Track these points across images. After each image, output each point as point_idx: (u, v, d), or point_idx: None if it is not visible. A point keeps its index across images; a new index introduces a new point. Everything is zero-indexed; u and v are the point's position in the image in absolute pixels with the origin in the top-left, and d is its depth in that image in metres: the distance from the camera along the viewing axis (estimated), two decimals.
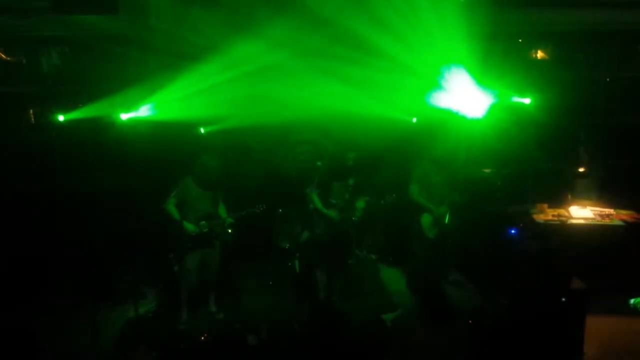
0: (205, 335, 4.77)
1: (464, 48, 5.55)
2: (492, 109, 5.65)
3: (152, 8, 5.91)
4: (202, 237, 5.05)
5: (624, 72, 7.38)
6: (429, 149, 5.81)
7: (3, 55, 6.65)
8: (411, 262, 5.74)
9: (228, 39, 5.63)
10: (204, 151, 5.15)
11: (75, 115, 5.80)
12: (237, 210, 5.29)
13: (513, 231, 5.81)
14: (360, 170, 5.39)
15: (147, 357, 4.42)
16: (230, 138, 6.30)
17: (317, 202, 5.27)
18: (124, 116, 5.67)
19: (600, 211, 5.97)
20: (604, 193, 6.39)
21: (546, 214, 6.07)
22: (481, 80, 5.65)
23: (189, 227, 5.01)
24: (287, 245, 6.11)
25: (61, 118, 5.76)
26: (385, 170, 7.00)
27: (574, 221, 5.88)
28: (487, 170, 6.17)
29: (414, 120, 6.36)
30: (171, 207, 5.07)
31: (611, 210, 5.97)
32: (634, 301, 5.36)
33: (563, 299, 4.58)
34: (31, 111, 6.64)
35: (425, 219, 5.76)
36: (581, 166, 6.41)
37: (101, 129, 6.13)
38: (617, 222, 5.81)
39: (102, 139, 6.32)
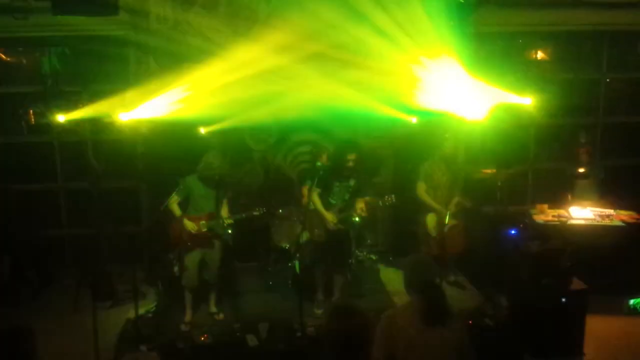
0: (205, 335, 4.78)
1: (464, 49, 5.56)
2: (492, 110, 5.65)
3: (152, 9, 5.91)
4: (202, 236, 5.05)
5: (624, 72, 7.39)
6: (438, 147, 5.80)
7: (3, 56, 6.66)
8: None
9: (228, 40, 5.65)
10: (209, 149, 5.15)
11: (75, 115, 5.79)
12: (236, 212, 5.28)
13: (513, 231, 5.81)
14: (361, 171, 5.38)
15: (147, 357, 4.42)
16: (230, 138, 6.30)
17: (318, 203, 5.28)
18: (124, 116, 5.67)
19: (600, 212, 5.97)
20: (604, 193, 6.39)
21: (546, 215, 6.08)
22: (481, 81, 5.65)
23: (189, 225, 5.01)
24: (287, 245, 6.11)
25: (61, 118, 5.76)
26: (386, 170, 7.01)
27: (574, 222, 5.89)
28: (487, 171, 6.17)
29: (414, 120, 6.34)
30: (173, 205, 5.08)
31: (611, 211, 5.97)
32: (634, 302, 5.36)
33: (563, 299, 4.58)
34: (31, 111, 6.64)
35: (430, 219, 5.77)
36: (581, 166, 6.41)
37: (101, 129, 6.13)
38: (617, 222, 5.82)
39: (102, 139, 6.32)
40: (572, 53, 7.19)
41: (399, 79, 5.76)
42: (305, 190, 5.73)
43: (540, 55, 7.29)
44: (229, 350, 4.68)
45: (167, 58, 5.92)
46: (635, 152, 7.44)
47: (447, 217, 5.64)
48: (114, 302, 5.68)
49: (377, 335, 2.74)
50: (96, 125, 6.11)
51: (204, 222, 5.05)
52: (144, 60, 6.11)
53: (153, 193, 6.32)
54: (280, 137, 6.78)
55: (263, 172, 6.85)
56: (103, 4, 5.27)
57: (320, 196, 5.29)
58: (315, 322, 4.94)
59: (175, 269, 5.27)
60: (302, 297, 4.56)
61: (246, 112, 5.71)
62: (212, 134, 6.00)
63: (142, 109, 5.72)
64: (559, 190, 6.59)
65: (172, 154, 5.90)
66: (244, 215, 5.27)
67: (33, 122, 6.68)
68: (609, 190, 6.44)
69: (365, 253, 6.71)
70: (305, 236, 5.33)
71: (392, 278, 6.15)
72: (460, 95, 5.71)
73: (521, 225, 5.95)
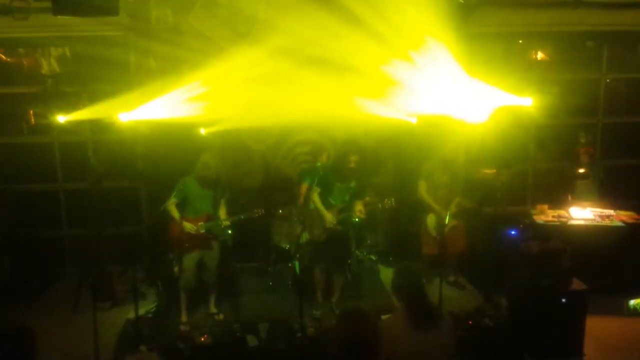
0: (206, 335, 4.78)
1: (463, 49, 5.55)
2: (492, 112, 5.64)
3: (153, 10, 5.91)
4: (201, 238, 5.05)
5: (623, 72, 7.39)
6: (440, 147, 5.80)
7: (3, 56, 6.66)
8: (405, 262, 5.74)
9: (228, 42, 5.65)
10: (206, 150, 5.15)
11: (75, 116, 5.80)
12: (236, 212, 5.28)
13: (513, 232, 5.81)
14: (362, 172, 5.38)
15: (147, 357, 4.42)
16: (230, 138, 6.30)
17: (318, 202, 5.28)
18: (124, 117, 5.67)
19: (600, 212, 5.97)
20: (604, 194, 6.38)
21: (546, 215, 6.08)
22: (481, 81, 5.64)
23: (188, 226, 5.01)
24: (287, 245, 6.11)
25: (61, 118, 5.76)
26: (386, 171, 7.01)
27: (574, 222, 5.89)
28: (488, 171, 6.17)
29: (414, 121, 6.34)
30: (172, 207, 5.08)
31: (611, 212, 5.97)
32: (634, 302, 5.36)
33: (563, 300, 4.58)
34: (31, 111, 6.64)
35: (431, 219, 5.77)
36: (581, 167, 6.41)
37: (101, 129, 6.13)
38: (617, 223, 5.82)
39: (102, 140, 6.32)
40: (572, 53, 7.20)
41: (398, 81, 5.75)
42: (303, 189, 5.73)
43: (540, 55, 7.29)
44: (229, 350, 4.67)
45: (167, 59, 5.92)
46: (635, 152, 7.44)
47: (448, 217, 5.64)
48: (114, 302, 5.68)
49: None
50: (96, 125, 6.12)
51: (202, 223, 5.05)
52: (144, 61, 6.12)
53: (153, 193, 6.33)
54: (280, 137, 6.79)
55: (263, 172, 6.85)
56: (103, 4, 5.26)
57: (320, 196, 5.29)
58: (315, 322, 4.94)
59: (176, 269, 5.27)
60: (302, 298, 4.56)
61: (246, 113, 5.70)
62: (213, 135, 6.00)
63: (142, 109, 5.72)
64: (559, 190, 6.59)
65: (172, 154, 5.90)
66: (242, 216, 5.27)
67: (33, 123, 6.69)
68: (609, 190, 6.44)
69: (365, 253, 6.72)
70: (305, 236, 5.33)
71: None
72: (460, 97, 5.70)
73: (521, 226, 5.95)
